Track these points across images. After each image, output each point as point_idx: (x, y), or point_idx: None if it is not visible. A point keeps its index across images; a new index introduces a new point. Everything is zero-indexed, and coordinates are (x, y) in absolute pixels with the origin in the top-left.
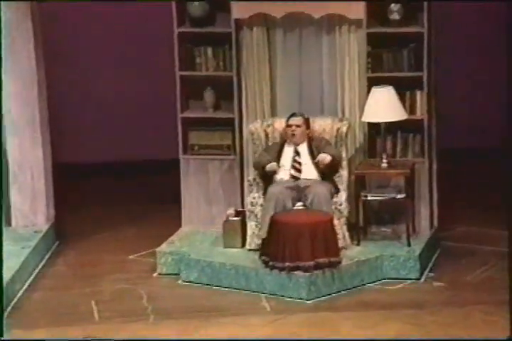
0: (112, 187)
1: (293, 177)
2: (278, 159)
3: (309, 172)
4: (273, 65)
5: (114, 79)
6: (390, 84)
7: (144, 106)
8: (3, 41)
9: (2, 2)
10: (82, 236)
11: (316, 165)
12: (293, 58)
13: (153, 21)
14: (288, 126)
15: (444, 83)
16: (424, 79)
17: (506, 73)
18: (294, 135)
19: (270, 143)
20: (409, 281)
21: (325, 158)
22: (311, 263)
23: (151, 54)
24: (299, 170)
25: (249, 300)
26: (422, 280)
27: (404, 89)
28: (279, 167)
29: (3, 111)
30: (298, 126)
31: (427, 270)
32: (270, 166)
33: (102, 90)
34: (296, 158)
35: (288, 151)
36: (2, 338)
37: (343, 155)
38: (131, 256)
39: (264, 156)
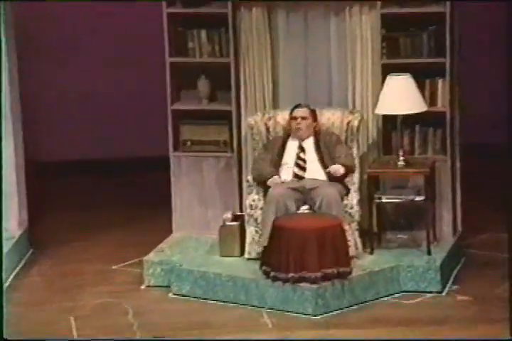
0: (94, 188)
1: (296, 176)
2: (280, 156)
3: (315, 171)
4: (275, 50)
5: (98, 69)
6: (408, 72)
7: (131, 98)
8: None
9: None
10: (59, 243)
11: (324, 164)
12: (297, 43)
13: (142, 4)
14: (292, 118)
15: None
16: (447, 65)
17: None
18: (299, 128)
19: (271, 138)
20: (429, 295)
21: (337, 170)
22: (318, 273)
23: (137, 39)
24: (303, 169)
25: (249, 316)
26: (444, 293)
27: (423, 77)
28: (282, 181)
29: None
30: (304, 118)
31: (450, 282)
32: (271, 181)
33: (85, 82)
34: (301, 154)
35: (291, 147)
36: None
37: (354, 152)
38: (115, 266)
39: (266, 166)
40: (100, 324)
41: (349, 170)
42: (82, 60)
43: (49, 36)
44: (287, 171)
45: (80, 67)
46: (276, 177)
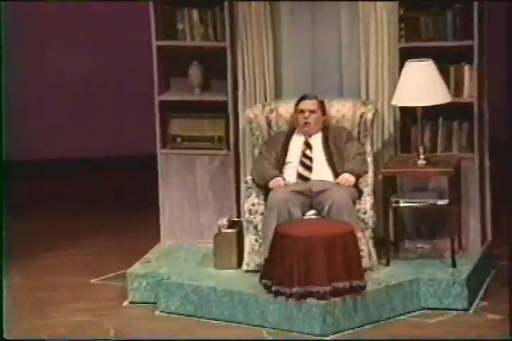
0: (71, 190)
1: (301, 176)
2: (284, 153)
3: (322, 171)
4: (277, 33)
5: (72, 54)
6: (430, 57)
7: (113, 88)
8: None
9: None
10: (30, 253)
11: (332, 163)
12: (303, 25)
13: None
14: (299, 111)
15: None
16: (475, 49)
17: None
18: (307, 123)
19: (273, 133)
20: (454, 312)
21: (347, 179)
22: (327, 288)
23: (119, 20)
24: (309, 168)
25: (248, 336)
26: (472, 311)
27: (447, 62)
28: (285, 184)
29: None
30: (312, 111)
31: (478, 298)
32: (273, 183)
33: (58, 68)
34: (307, 152)
35: (296, 143)
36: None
37: (368, 149)
38: (94, 280)
39: (268, 167)
40: None
41: (360, 176)
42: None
43: (32, 28)
44: (291, 171)
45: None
46: (279, 178)
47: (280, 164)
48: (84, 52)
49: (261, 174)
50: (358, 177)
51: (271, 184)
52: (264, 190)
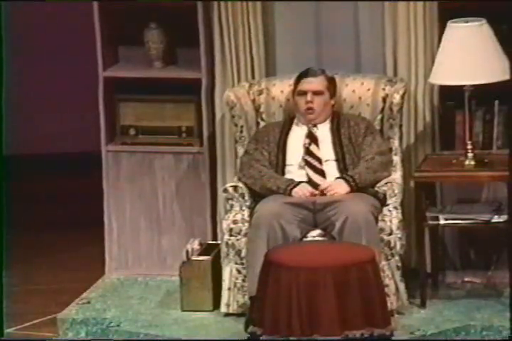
0: None
1: (312, 184)
2: (283, 154)
3: (332, 175)
4: None
5: None
6: (481, 16)
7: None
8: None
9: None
10: None
11: (343, 167)
12: None
13: None
14: (300, 92)
15: None
16: None
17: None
18: (310, 109)
19: (263, 124)
20: None
21: (333, 188)
22: (338, 338)
23: None
24: (320, 172)
25: None
26: None
27: (508, 24)
28: (313, 193)
29: None
30: (317, 93)
31: None
32: (300, 190)
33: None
34: (312, 148)
35: (296, 137)
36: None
37: (395, 145)
38: (10, 330)
39: (266, 171)
40: None
41: (367, 187)
42: None
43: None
44: (294, 175)
45: None
46: (305, 184)
47: (279, 169)
48: None
49: (263, 182)
50: (359, 187)
51: (296, 192)
52: (252, 197)
